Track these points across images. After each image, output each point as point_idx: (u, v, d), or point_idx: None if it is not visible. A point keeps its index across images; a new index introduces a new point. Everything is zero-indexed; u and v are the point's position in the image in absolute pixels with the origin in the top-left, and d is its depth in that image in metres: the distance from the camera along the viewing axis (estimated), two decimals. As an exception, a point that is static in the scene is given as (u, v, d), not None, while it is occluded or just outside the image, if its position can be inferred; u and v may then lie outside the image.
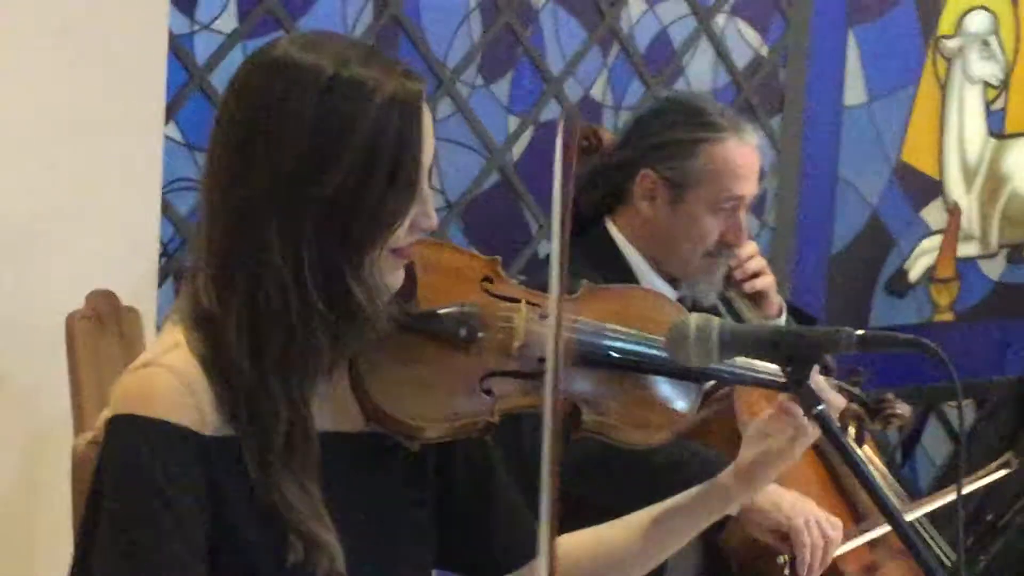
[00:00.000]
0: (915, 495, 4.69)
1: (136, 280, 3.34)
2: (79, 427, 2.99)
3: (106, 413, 2.13)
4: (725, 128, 3.00)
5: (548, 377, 1.78)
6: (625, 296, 2.15)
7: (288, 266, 1.81)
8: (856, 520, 2.99)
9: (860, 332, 1.90)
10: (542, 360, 1.93)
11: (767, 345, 1.94)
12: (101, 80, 3.28)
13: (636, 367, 2.02)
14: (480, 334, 1.94)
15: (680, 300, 2.94)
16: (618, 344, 2.02)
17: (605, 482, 2.66)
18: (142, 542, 1.79)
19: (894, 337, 1.95)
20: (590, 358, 1.99)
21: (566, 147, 1.86)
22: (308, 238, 1.81)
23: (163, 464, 1.80)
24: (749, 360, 2.06)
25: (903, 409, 2.52)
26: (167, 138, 3.53)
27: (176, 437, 1.80)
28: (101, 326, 3.12)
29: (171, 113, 3.58)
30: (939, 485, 5.19)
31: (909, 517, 2.85)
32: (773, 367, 2.04)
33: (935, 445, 5.27)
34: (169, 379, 1.82)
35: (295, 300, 1.81)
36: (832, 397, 2.03)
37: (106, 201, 3.30)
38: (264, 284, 1.81)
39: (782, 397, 2.00)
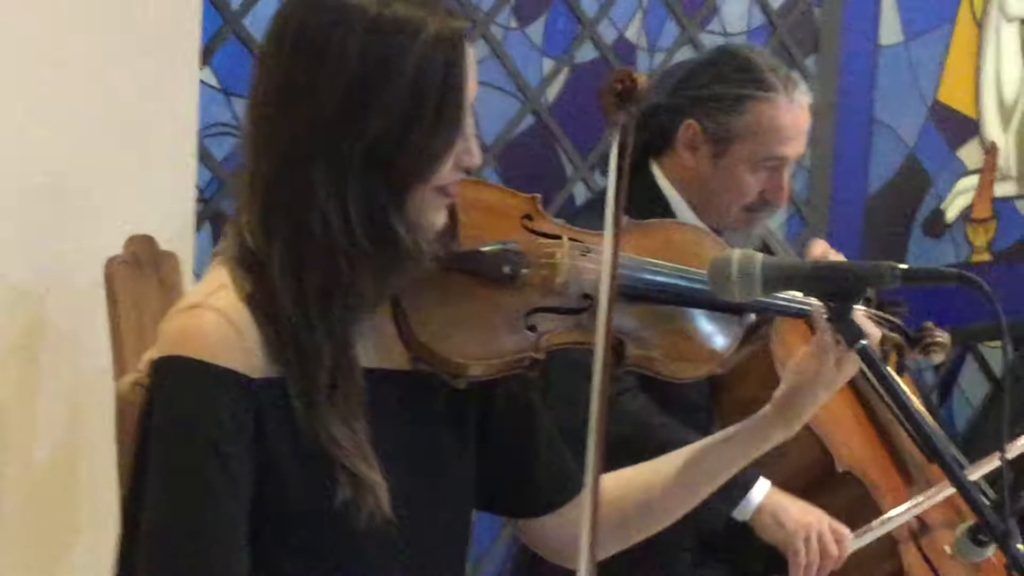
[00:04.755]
0: (952, 436, 4.69)
1: (174, 225, 3.35)
2: (119, 371, 3.00)
3: (151, 353, 2.15)
4: (774, 86, 2.95)
5: (600, 312, 1.78)
6: (666, 231, 2.15)
7: (332, 204, 1.81)
8: (904, 478, 2.99)
9: (903, 266, 1.89)
10: (586, 296, 1.94)
11: (810, 279, 1.94)
12: (136, 26, 3.28)
13: (678, 301, 2.02)
14: (523, 271, 1.94)
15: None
16: (660, 278, 2.02)
17: None
18: (187, 489, 1.80)
19: (938, 271, 1.95)
20: (632, 292, 1.99)
21: (622, 149, 1.85)
22: (352, 177, 1.81)
23: (211, 408, 1.80)
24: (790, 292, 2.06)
25: (943, 337, 2.51)
26: (202, 83, 3.53)
27: (224, 380, 1.81)
28: (140, 270, 3.13)
29: (206, 58, 3.58)
30: (977, 426, 5.19)
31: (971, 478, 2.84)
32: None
33: (972, 386, 5.26)
34: (217, 320, 1.82)
35: (339, 238, 1.81)
36: (869, 328, 2.03)
37: (143, 147, 3.30)
38: (308, 223, 1.82)
39: (820, 328, 1.99)
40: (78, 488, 3.28)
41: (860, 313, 2.05)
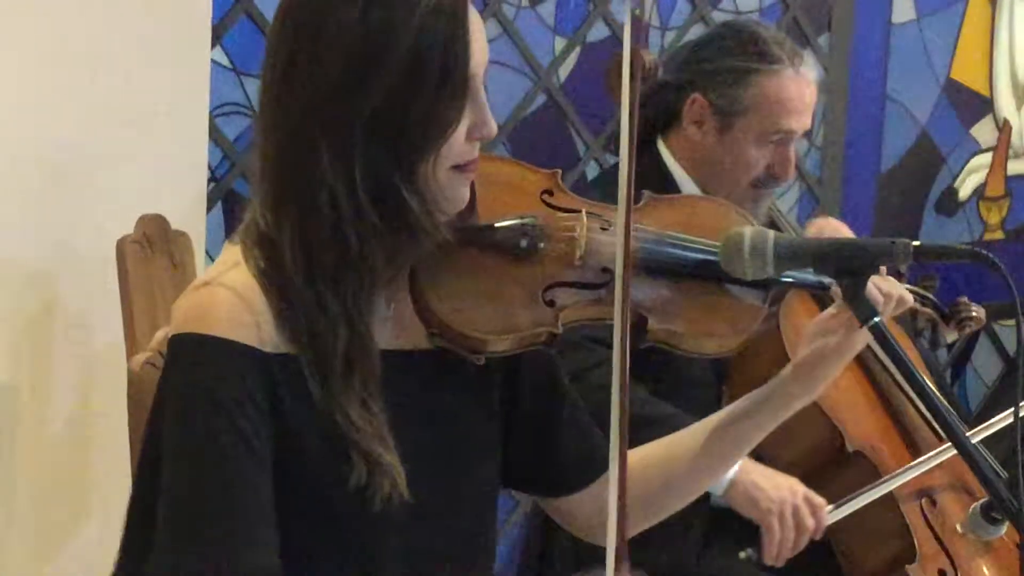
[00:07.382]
0: (965, 416, 4.69)
1: (185, 204, 3.35)
2: (131, 350, 3.01)
3: (161, 333, 2.15)
4: (780, 59, 2.94)
5: (618, 285, 1.75)
6: (689, 205, 2.13)
7: (340, 180, 1.80)
8: (914, 457, 2.98)
9: (916, 243, 1.89)
10: (605, 270, 1.93)
11: (822, 257, 1.93)
12: (148, 5, 3.27)
13: (702, 275, 1.99)
14: (541, 245, 1.93)
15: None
16: (681, 252, 2.00)
17: None
18: (206, 459, 1.79)
19: (951, 248, 1.94)
20: (653, 267, 1.97)
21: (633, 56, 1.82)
22: (358, 150, 1.80)
23: (225, 382, 1.79)
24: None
25: (978, 311, 2.48)
26: (214, 63, 3.52)
27: (237, 355, 1.80)
28: (151, 250, 3.13)
29: (218, 37, 3.58)
30: (991, 405, 5.18)
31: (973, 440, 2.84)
32: None
33: (985, 365, 5.25)
34: (228, 297, 1.82)
35: (348, 214, 1.80)
36: (903, 293, 2.00)
37: (155, 127, 3.30)
38: (316, 200, 1.81)
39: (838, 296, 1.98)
40: (90, 467, 3.29)
41: (892, 280, 2.02)
